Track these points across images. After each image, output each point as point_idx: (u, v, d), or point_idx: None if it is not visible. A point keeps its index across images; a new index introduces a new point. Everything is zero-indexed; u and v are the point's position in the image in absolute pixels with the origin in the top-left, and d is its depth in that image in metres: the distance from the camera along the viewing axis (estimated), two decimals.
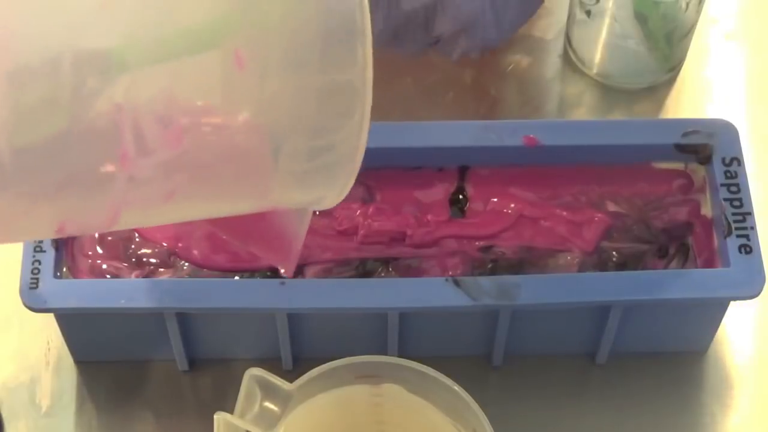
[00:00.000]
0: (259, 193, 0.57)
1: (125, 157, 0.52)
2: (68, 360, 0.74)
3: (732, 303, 0.72)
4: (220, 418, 0.60)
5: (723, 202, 0.71)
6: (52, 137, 0.51)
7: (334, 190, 0.57)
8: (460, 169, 0.74)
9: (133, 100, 0.52)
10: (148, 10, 0.52)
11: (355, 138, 0.55)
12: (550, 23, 0.86)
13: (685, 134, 0.73)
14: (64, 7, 0.52)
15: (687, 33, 0.81)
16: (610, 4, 0.79)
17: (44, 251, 0.69)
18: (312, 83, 0.53)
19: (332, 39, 0.53)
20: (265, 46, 0.53)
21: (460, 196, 0.74)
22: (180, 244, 0.72)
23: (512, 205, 0.73)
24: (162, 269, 0.72)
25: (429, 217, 0.73)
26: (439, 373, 0.62)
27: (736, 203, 0.71)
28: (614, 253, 0.72)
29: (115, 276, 0.71)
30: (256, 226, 0.61)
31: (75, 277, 0.71)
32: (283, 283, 0.69)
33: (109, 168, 0.52)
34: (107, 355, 0.73)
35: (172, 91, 0.53)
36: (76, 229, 0.56)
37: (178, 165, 0.54)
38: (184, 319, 0.70)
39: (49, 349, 0.75)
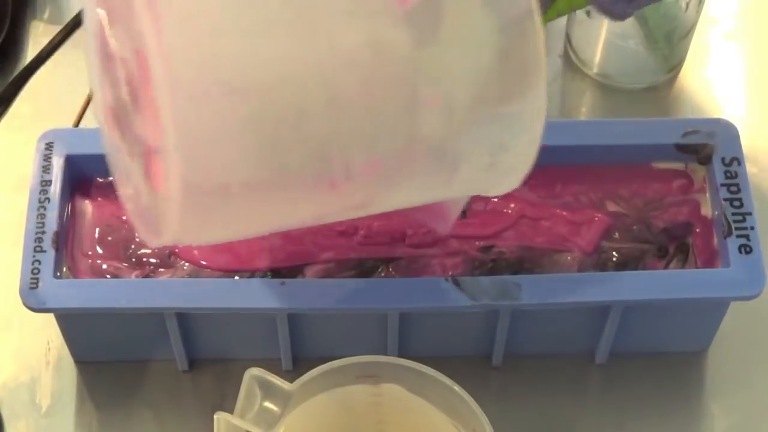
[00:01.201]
0: (442, 193, 0.63)
1: (333, 183, 0.58)
2: (68, 360, 0.74)
3: (732, 303, 0.72)
4: (220, 418, 0.60)
5: (723, 202, 0.71)
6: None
7: (514, 174, 0.61)
8: None
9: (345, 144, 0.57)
10: None
11: (527, 149, 0.60)
12: (551, 23, 0.85)
13: (685, 134, 0.73)
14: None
15: (687, 33, 0.81)
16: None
17: (44, 251, 0.69)
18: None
19: (511, 79, 0.58)
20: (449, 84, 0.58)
21: None
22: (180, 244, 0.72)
23: (512, 205, 0.73)
24: (162, 269, 0.72)
25: None
26: (439, 373, 0.62)
27: (736, 203, 0.71)
28: (614, 253, 0.72)
29: (115, 276, 0.71)
30: None
31: (75, 277, 0.71)
32: (283, 283, 0.69)
33: (321, 192, 0.58)
34: (107, 355, 0.73)
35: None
36: (287, 228, 0.65)
37: (377, 183, 0.60)
38: (184, 319, 0.70)
39: (49, 349, 0.75)
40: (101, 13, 0.59)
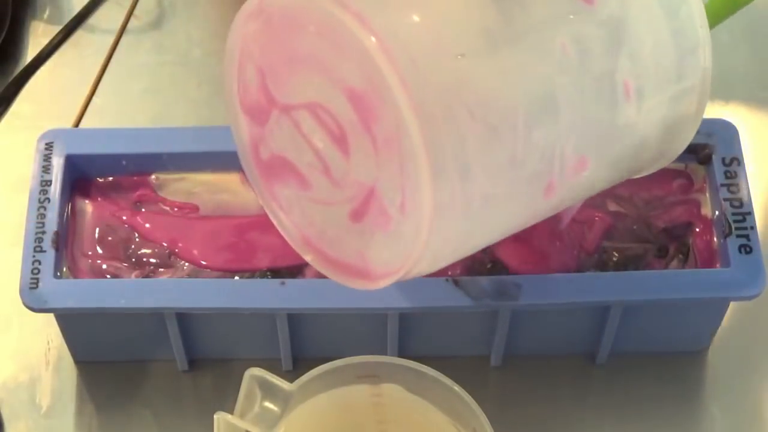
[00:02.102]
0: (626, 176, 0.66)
1: (550, 187, 0.60)
2: (68, 360, 0.74)
3: (732, 303, 0.72)
4: (220, 418, 0.60)
5: (723, 202, 0.71)
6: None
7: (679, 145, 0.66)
8: None
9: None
10: None
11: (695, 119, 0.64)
12: None
13: None
14: None
15: None
16: None
17: (44, 251, 0.69)
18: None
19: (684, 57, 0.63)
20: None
21: None
22: (180, 244, 0.72)
23: None
24: (162, 269, 0.72)
25: None
26: (439, 373, 0.62)
27: (736, 203, 0.71)
28: (614, 253, 0.72)
29: (115, 276, 0.71)
30: None
31: (75, 277, 0.71)
32: (283, 283, 0.69)
33: (538, 200, 0.61)
34: (107, 355, 0.73)
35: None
36: None
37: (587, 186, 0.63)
38: (184, 319, 0.70)
39: (49, 349, 0.75)
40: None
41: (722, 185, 0.72)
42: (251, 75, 0.61)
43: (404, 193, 0.57)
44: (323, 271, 0.63)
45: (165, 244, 0.72)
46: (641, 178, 0.74)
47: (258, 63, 0.60)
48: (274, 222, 0.65)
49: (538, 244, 0.71)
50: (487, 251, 0.71)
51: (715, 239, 0.72)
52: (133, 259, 0.72)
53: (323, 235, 0.63)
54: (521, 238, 0.71)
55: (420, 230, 0.56)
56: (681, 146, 0.65)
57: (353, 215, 0.60)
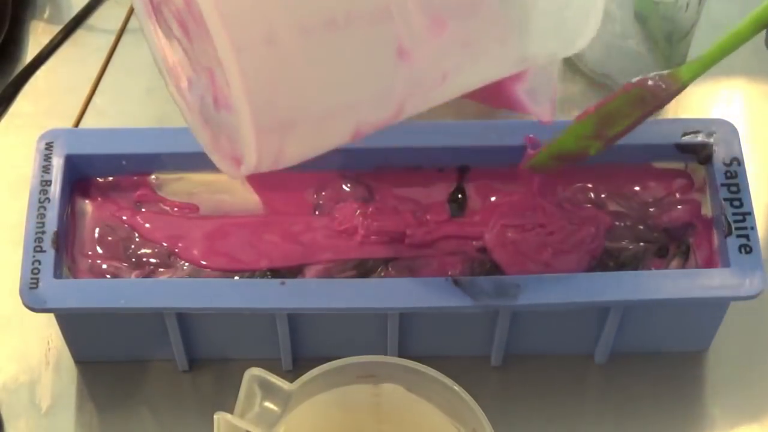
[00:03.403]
0: (517, 55, 0.63)
1: (402, 50, 0.58)
2: (68, 360, 0.74)
3: (732, 303, 0.72)
4: (220, 418, 0.60)
5: (723, 202, 0.71)
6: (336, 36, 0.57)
7: (586, 27, 0.63)
8: (460, 169, 0.74)
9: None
10: None
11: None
12: None
13: (685, 134, 0.73)
14: None
15: (687, 33, 0.81)
16: (611, 4, 0.79)
17: (44, 251, 0.69)
18: None
19: None
20: None
21: (460, 196, 0.74)
22: (180, 244, 0.72)
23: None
24: (162, 269, 0.72)
25: (429, 216, 0.73)
26: (439, 373, 0.62)
27: (736, 203, 0.71)
28: (614, 253, 0.72)
29: (115, 276, 0.71)
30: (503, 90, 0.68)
31: (75, 277, 0.71)
32: (283, 283, 0.69)
33: (391, 64, 0.58)
34: (107, 355, 0.73)
35: None
36: (368, 129, 0.62)
37: (449, 48, 0.60)
38: (184, 319, 0.70)
39: (49, 349, 0.75)
40: None
41: (722, 185, 0.72)
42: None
43: (220, 64, 0.56)
44: (223, 169, 0.63)
45: (165, 244, 0.72)
46: (641, 178, 0.74)
47: None
48: (214, 159, 0.64)
49: (539, 257, 0.71)
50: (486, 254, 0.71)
51: (715, 239, 0.72)
52: (133, 259, 0.72)
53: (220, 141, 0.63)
54: (523, 252, 0.71)
55: (235, 86, 0.56)
56: (581, 29, 0.64)
57: (215, 103, 0.60)
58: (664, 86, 0.67)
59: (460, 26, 0.59)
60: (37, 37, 0.87)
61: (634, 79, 0.67)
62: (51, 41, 0.86)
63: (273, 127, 0.58)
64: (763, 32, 0.68)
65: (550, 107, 0.69)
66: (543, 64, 0.66)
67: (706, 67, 0.68)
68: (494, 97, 0.68)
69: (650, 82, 0.67)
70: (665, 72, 0.67)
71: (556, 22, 0.62)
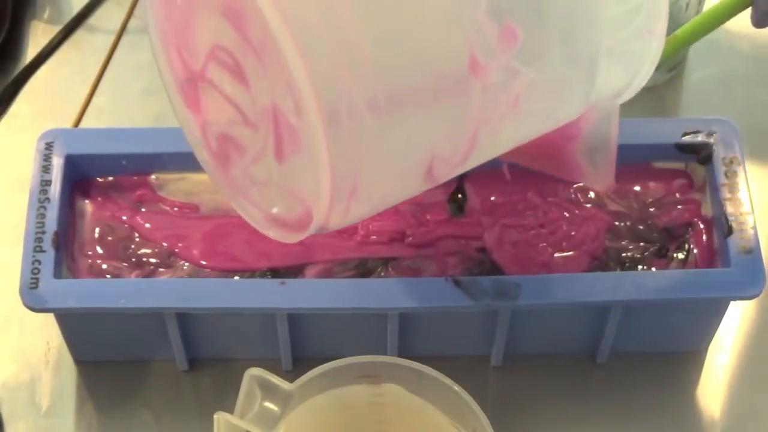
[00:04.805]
0: (586, 76, 0.61)
1: (475, 63, 0.56)
2: (68, 360, 0.74)
3: (732, 303, 0.72)
4: (220, 418, 0.60)
5: (723, 202, 0.71)
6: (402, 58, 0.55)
7: (647, 60, 0.62)
8: None
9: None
10: None
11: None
12: None
13: (685, 134, 0.74)
14: None
15: None
16: None
17: (44, 251, 0.69)
18: None
19: None
20: None
21: (460, 196, 0.74)
22: (180, 244, 0.72)
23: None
24: (162, 269, 0.72)
25: (428, 216, 0.73)
26: (439, 373, 0.62)
27: (736, 203, 0.71)
28: (614, 253, 0.72)
29: (115, 276, 0.71)
30: (563, 155, 0.66)
31: (75, 277, 0.71)
32: (283, 283, 0.69)
33: (464, 81, 0.56)
34: (107, 355, 0.73)
35: None
36: (443, 167, 0.59)
37: (519, 62, 0.57)
38: (184, 319, 0.70)
39: (49, 349, 0.75)
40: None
41: (722, 185, 0.72)
42: (175, 59, 0.61)
43: (292, 91, 0.54)
44: (282, 238, 0.61)
45: (165, 244, 0.72)
46: (641, 178, 0.74)
47: (174, 42, 0.60)
48: (241, 213, 0.63)
49: (539, 257, 0.71)
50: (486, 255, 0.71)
51: (715, 239, 0.72)
52: (133, 259, 0.72)
53: (271, 199, 0.61)
54: (523, 252, 0.71)
55: (310, 116, 0.53)
56: (642, 73, 0.63)
57: (277, 154, 0.58)
58: None
59: (529, 37, 0.58)
60: (37, 37, 0.87)
61: None
62: (51, 41, 0.86)
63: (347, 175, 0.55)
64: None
65: (610, 172, 0.67)
66: (604, 107, 0.65)
67: (683, 43, 0.67)
68: (550, 160, 0.67)
69: None
70: None
71: (621, 50, 0.61)
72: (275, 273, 0.71)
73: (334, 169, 0.54)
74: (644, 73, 0.62)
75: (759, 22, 0.66)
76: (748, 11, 0.66)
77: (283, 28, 0.52)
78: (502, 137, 0.61)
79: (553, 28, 0.58)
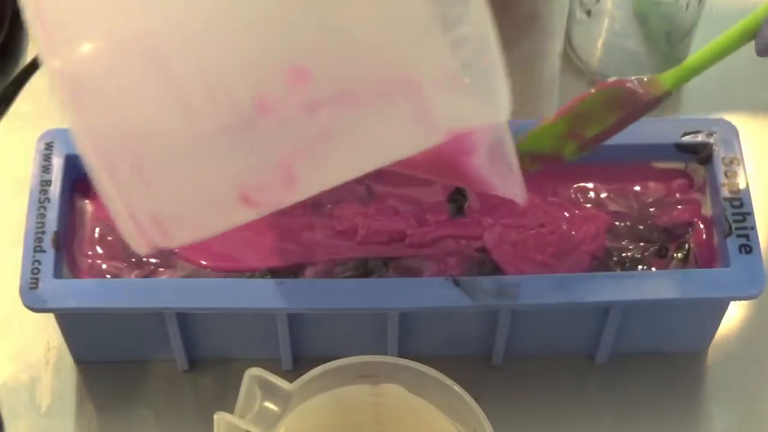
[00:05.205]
0: (415, 110, 0.58)
1: (262, 102, 0.55)
2: (68, 360, 0.74)
3: (732, 303, 0.72)
4: (220, 418, 0.60)
5: (723, 202, 0.71)
6: None
7: (496, 94, 0.59)
8: None
9: None
10: None
11: (482, 24, 0.57)
12: (550, 23, 0.85)
13: (685, 134, 0.74)
14: None
15: (687, 33, 0.81)
16: (610, 4, 0.79)
17: (44, 251, 0.69)
18: None
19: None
20: None
21: (460, 196, 0.74)
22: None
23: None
24: (162, 269, 0.72)
25: (428, 216, 0.73)
26: (439, 373, 0.62)
27: (736, 203, 0.71)
28: (614, 253, 0.72)
29: (115, 276, 0.71)
30: (457, 163, 0.64)
31: (75, 277, 0.71)
32: (283, 283, 0.69)
33: (252, 119, 0.56)
34: (107, 355, 0.73)
35: None
36: (260, 196, 0.59)
37: (318, 98, 0.56)
38: (184, 319, 0.70)
39: (49, 349, 0.75)
40: None
41: (722, 185, 0.72)
42: None
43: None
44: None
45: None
46: (641, 178, 0.74)
47: None
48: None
49: (539, 257, 0.71)
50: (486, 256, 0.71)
51: (715, 239, 0.72)
52: (133, 259, 0.72)
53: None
54: (523, 252, 0.71)
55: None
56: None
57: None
58: (641, 91, 0.66)
59: (322, 75, 0.56)
60: None
61: (610, 79, 0.67)
62: None
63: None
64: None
65: (518, 184, 0.65)
66: (492, 123, 0.63)
67: (689, 75, 0.67)
68: (453, 175, 0.65)
69: (628, 84, 0.66)
70: (646, 77, 0.66)
71: (455, 80, 0.58)
72: (275, 273, 0.71)
73: (126, 204, 0.57)
74: (502, 95, 0.59)
75: (762, 52, 0.66)
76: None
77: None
78: (330, 167, 0.60)
79: (350, 65, 0.57)
